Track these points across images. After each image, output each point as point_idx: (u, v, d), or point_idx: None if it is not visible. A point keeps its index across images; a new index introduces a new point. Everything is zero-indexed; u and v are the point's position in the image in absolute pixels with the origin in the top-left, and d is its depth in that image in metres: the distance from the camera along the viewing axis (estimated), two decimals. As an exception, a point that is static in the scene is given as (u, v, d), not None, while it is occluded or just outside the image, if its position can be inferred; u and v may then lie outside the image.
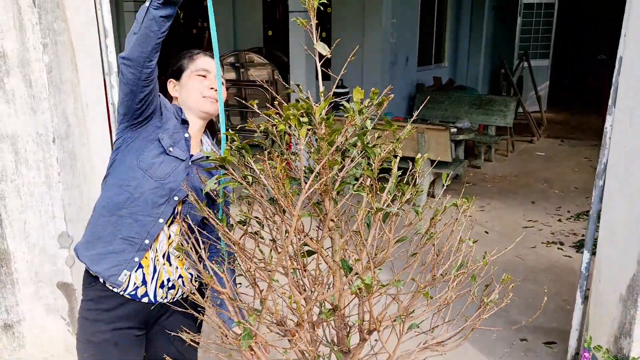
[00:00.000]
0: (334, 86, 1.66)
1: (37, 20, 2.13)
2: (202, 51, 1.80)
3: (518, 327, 3.20)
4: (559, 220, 5.24)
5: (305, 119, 1.47)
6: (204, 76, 1.74)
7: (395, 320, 1.52)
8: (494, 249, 4.78)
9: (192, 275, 1.79)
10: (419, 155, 1.48)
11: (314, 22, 1.68)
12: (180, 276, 1.76)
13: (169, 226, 1.70)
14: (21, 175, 2.32)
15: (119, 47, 7.62)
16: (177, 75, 1.77)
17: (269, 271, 1.67)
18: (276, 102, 1.55)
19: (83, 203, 2.50)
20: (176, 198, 1.67)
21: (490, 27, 10.27)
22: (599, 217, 2.58)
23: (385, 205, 1.36)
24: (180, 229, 1.68)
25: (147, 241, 1.64)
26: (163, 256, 1.71)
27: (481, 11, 9.75)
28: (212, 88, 1.73)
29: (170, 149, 1.65)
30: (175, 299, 1.78)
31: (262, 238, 1.71)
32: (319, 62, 1.62)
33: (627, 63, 2.37)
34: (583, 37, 13.67)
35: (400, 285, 1.27)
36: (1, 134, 2.25)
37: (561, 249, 4.55)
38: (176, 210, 1.70)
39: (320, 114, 1.48)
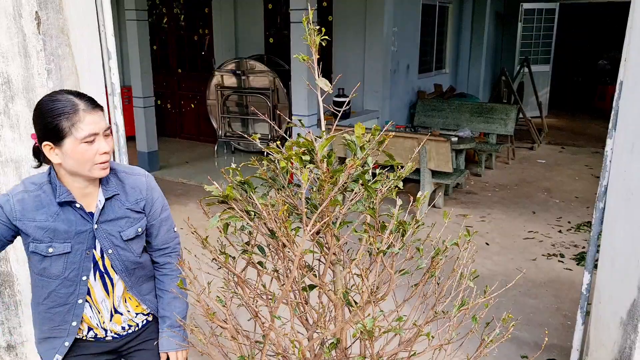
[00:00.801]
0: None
1: (42, 47, 2.15)
2: (82, 103, 1.47)
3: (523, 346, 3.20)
4: (560, 231, 5.25)
5: (307, 157, 1.48)
6: (92, 141, 1.47)
7: (395, 356, 1.53)
8: (494, 261, 4.74)
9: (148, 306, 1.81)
10: (420, 193, 1.50)
11: (315, 57, 1.69)
12: (137, 314, 1.79)
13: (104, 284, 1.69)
14: (25, 198, 2.33)
15: (121, 57, 7.62)
16: (55, 139, 1.45)
17: (270, 302, 1.68)
18: (277, 142, 1.56)
19: (86, 224, 2.51)
20: (84, 278, 1.63)
21: (491, 33, 10.28)
22: (599, 239, 2.59)
23: (387, 246, 1.38)
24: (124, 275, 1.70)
25: (74, 323, 1.67)
26: (110, 311, 1.72)
27: (482, 17, 9.75)
28: (104, 153, 1.50)
29: (50, 249, 1.55)
30: (144, 326, 1.81)
31: (265, 267, 1.72)
32: (321, 97, 1.63)
33: (628, 88, 2.38)
34: (584, 43, 13.67)
35: (400, 331, 1.28)
36: (5, 158, 2.27)
37: (562, 262, 4.56)
38: (106, 267, 1.66)
39: (322, 152, 1.49)
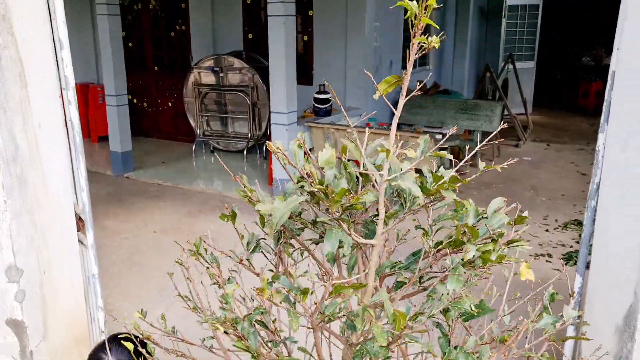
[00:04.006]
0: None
1: (-23, 34, 1.92)
2: None
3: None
4: (547, 230, 5.11)
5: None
6: None
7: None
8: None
9: None
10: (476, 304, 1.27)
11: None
12: None
13: None
14: (-36, 203, 2.11)
15: (96, 50, 7.28)
16: None
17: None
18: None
19: (36, 231, 2.29)
20: None
21: (475, 28, 10.16)
22: (591, 239, 2.43)
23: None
24: None
25: None
26: None
27: (466, 12, 9.63)
28: None
29: None
30: None
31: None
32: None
33: (620, 78, 2.22)
34: (568, 39, 13.65)
35: None
36: (-60, 159, 2.04)
37: (550, 262, 4.42)
38: None
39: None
